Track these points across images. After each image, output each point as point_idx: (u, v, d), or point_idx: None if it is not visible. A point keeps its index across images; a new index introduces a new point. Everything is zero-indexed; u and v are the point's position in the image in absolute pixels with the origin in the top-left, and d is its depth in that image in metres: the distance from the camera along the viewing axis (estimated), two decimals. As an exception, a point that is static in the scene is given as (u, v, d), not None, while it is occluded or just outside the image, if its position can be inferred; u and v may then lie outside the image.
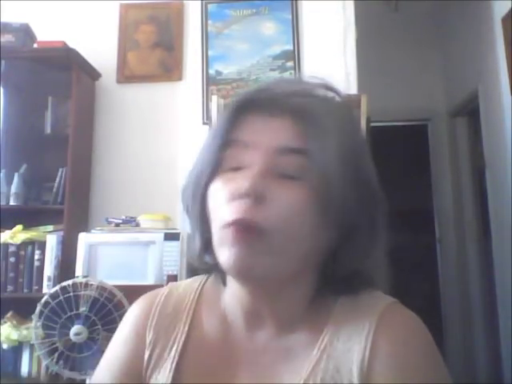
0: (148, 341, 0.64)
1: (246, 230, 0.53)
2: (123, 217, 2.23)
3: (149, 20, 2.75)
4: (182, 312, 0.65)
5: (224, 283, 0.64)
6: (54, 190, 2.41)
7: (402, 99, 3.74)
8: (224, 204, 0.55)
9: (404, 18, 3.64)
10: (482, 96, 3.20)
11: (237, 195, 0.54)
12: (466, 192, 3.67)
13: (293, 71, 2.57)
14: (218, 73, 2.64)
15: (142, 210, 2.30)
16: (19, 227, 2.24)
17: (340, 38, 2.57)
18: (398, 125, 4.06)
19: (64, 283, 1.76)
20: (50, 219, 2.36)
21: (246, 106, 0.59)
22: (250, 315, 0.61)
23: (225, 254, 0.55)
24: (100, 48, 2.68)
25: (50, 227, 2.32)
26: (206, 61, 2.65)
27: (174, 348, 0.62)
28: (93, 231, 2.15)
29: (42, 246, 2.24)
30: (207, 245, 0.60)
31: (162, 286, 0.71)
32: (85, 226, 2.42)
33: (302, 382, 0.56)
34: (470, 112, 3.56)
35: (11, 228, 2.24)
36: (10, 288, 2.21)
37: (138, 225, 2.20)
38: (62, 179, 2.39)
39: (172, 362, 0.61)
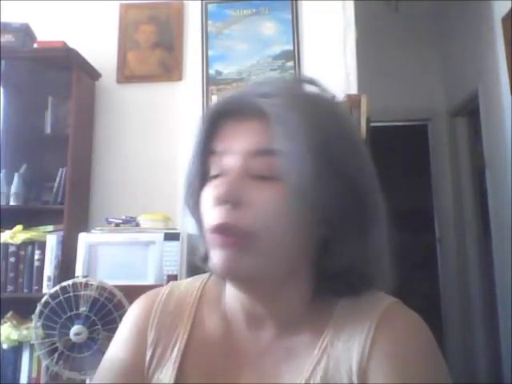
0: (150, 340, 0.64)
1: (227, 234, 0.55)
2: (123, 217, 2.23)
3: (149, 20, 2.75)
4: (183, 311, 0.65)
5: (225, 282, 0.64)
6: (54, 190, 2.41)
7: (402, 99, 3.74)
8: (209, 210, 0.57)
9: (404, 18, 3.64)
10: (482, 96, 3.20)
11: (217, 201, 0.56)
12: (466, 192, 3.67)
13: (293, 71, 2.57)
14: (218, 73, 2.64)
15: (142, 209, 2.30)
16: (19, 227, 2.24)
17: (340, 38, 2.57)
18: (398, 125, 4.07)
19: (64, 283, 1.76)
20: (50, 219, 2.36)
21: (220, 114, 0.60)
22: (251, 316, 0.61)
23: (213, 257, 0.57)
24: (100, 48, 2.68)
25: (50, 227, 2.32)
26: (206, 61, 2.65)
27: (177, 347, 0.62)
28: (93, 231, 2.15)
29: (42, 246, 2.24)
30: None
31: (162, 286, 0.71)
32: (85, 226, 2.41)
33: (303, 381, 0.56)
34: (470, 112, 3.56)
35: (11, 228, 2.24)
36: (9, 288, 2.21)
37: (138, 225, 2.20)
38: (62, 179, 2.39)
39: (174, 362, 0.61)
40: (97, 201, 2.59)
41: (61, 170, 2.40)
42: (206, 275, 0.69)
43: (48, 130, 2.55)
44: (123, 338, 0.66)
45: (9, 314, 2.14)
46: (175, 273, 1.99)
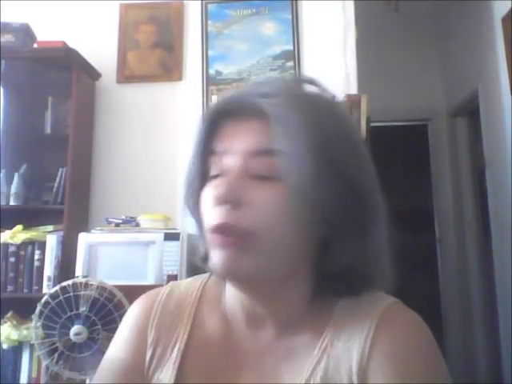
0: (150, 340, 0.64)
1: (227, 234, 0.55)
2: (123, 217, 2.23)
3: (149, 20, 2.75)
4: (184, 310, 0.65)
5: (225, 282, 0.64)
6: (54, 190, 2.41)
7: (402, 99, 3.74)
8: (209, 210, 0.57)
9: (404, 18, 3.64)
10: (482, 96, 3.20)
11: (217, 201, 0.56)
12: (466, 192, 3.67)
13: (293, 71, 2.57)
14: (218, 73, 2.64)
15: (142, 209, 2.30)
16: (19, 227, 2.24)
17: (340, 38, 2.57)
18: (398, 125, 4.07)
19: (64, 283, 1.76)
20: (50, 219, 2.36)
21: (220, 114, 0.60)
22: (251, 316, 0.61)
23: (213, 257, 0.57)
24: (100, 48, 2.68)
25: (50, 227, 2.32)
26: (206, 61, 2.65)
27: (177, 347, 0.62)
28: (93, 231, 2.15)
29: (42, 246, 2.24)
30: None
31: (162, 286, 0.71)
32: (85, 226, 2.41)
33: (303, 381, 0.56)
34: (470, 112, 3.56)
35: (11, 228, 2.24)
36: (10, 288, 2.21)
37: (138, 225, 2.20)
38: (62, 179, 2.39)
39: (174, 362, 0.61)
40: (97, 201, 2.59)
41: (61, 170, 2.40)
42: (206, 275, 0.69)
43: (48, 130, 2.55)
44: (123, 337, 0.66)
45: (9, 314, 2.14)
46: (175, 273, 2.00)
